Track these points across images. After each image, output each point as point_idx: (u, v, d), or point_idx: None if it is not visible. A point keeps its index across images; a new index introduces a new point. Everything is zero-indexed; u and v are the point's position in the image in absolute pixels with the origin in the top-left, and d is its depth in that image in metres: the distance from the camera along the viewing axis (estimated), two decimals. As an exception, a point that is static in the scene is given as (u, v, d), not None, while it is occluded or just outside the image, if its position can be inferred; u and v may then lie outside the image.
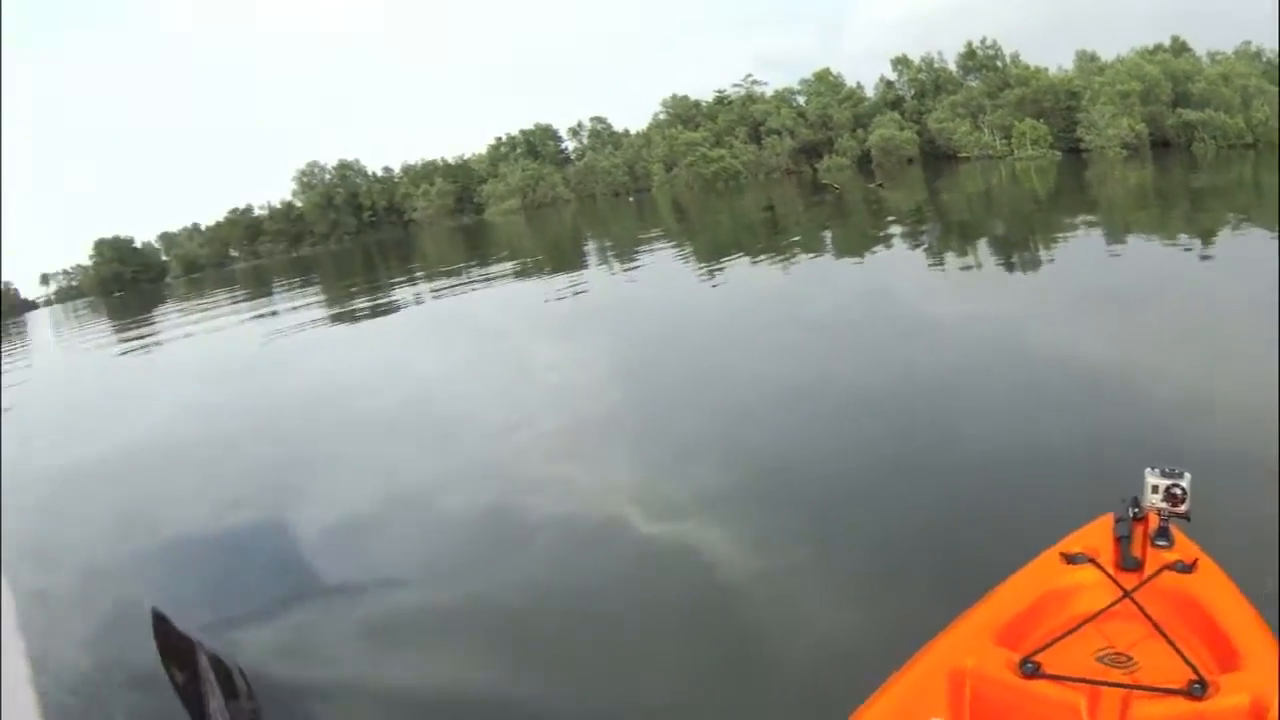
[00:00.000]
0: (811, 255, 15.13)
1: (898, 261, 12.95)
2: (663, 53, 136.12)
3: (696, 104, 76.07)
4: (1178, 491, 2.23)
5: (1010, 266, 11.71)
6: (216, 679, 2.98)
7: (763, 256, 15.39)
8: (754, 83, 75.51)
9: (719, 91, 76.50)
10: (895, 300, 9.86)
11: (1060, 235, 14.60)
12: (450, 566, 4.47)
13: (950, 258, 13.16)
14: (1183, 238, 12.67)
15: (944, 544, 3.58)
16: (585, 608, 3.75)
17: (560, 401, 7.36)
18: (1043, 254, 12.65)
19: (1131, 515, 2.22)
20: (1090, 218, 17.01)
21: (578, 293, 14.91)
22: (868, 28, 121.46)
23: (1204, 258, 10.63)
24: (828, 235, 18.75)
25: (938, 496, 4.07)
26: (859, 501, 4.22)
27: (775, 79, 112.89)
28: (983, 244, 14.53)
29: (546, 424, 6.69)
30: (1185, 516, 2.25)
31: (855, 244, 16.07)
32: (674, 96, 77.87)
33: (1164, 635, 1.91)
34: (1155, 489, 2.26)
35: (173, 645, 2.94)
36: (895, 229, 18.05)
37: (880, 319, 8.78)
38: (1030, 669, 1.85)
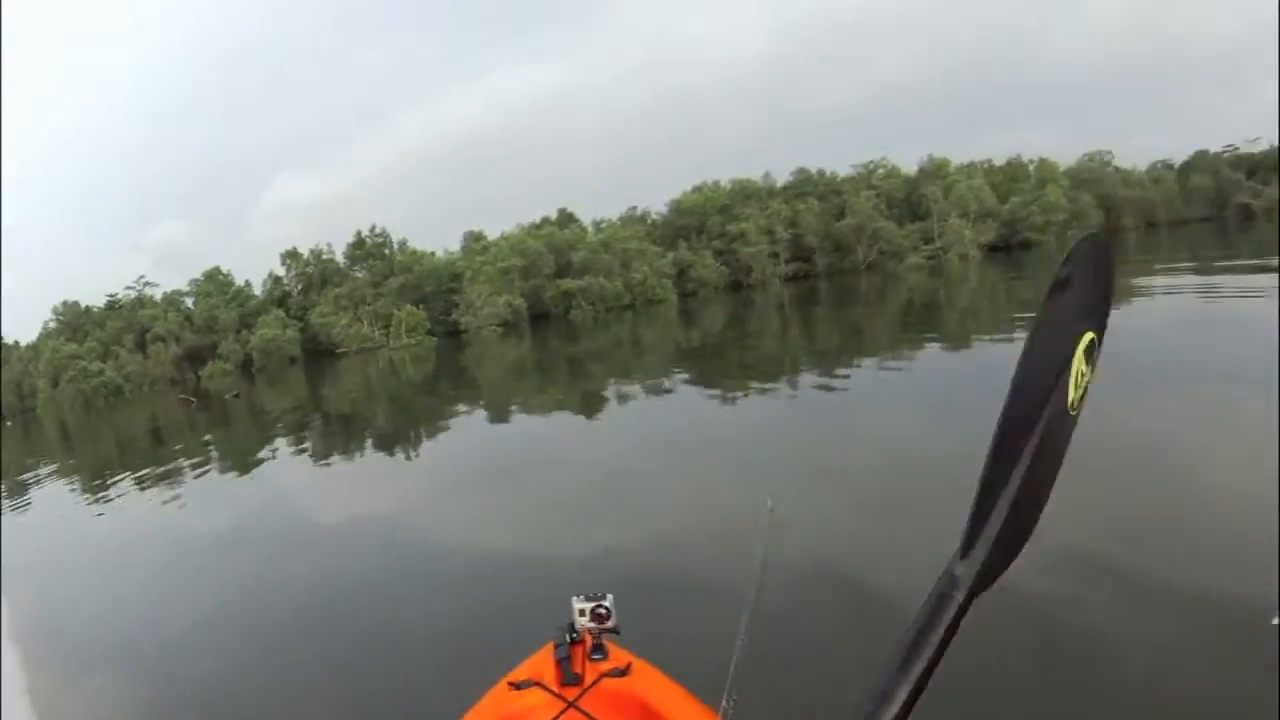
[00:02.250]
0: (200, 471, 14.81)
1: (272, 468, 14.01)
2: (55, 252, 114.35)
3: (88, 310, 69.23)
4: (602, 611, 2.54)
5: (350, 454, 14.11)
6: None
7: (147, 479, 14.73)
8: (146, 284, 71.95)
9: (110, 296, 70.82)
10: (273, 507, 10.66)
11: (440, 420, 16.98)
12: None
13: (323, 455, 14.63)
14: (552, 414, 15.18)
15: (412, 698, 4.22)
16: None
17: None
18: (419, 441, 14.93)
19: (569, 639, 2.54)
20: (463, 403, 19.95)
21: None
22: (272, 215, 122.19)
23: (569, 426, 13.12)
24: (213, 449, 18.57)
25: (394, 676, 4.60)
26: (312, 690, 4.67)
27: (173, 278, 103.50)
28: (356, 438, 16.67)
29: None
30: (615, 631, 2.57)
31: (241, 455, 16.66)
32: (64, 303, 69.85)
33: None
34: (583, 613, 2.56)
35: None
36: (278, 432, 19.36)
37: (255, 531, 9.37)
38: None
